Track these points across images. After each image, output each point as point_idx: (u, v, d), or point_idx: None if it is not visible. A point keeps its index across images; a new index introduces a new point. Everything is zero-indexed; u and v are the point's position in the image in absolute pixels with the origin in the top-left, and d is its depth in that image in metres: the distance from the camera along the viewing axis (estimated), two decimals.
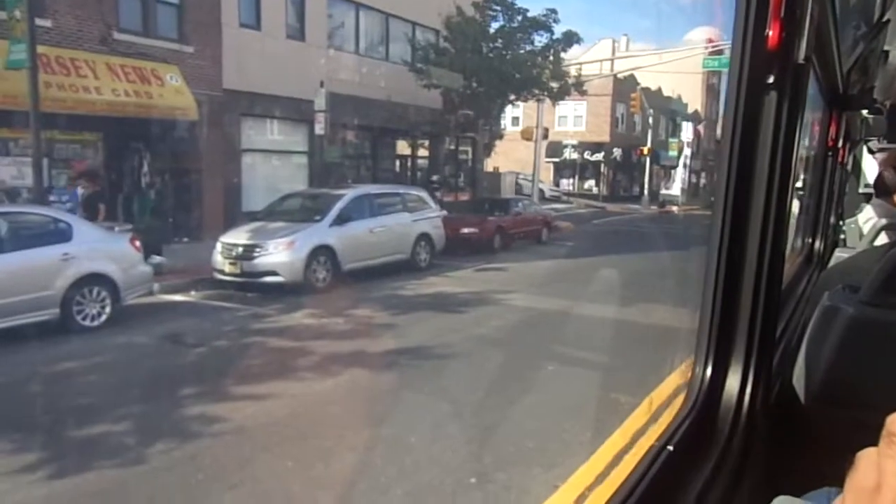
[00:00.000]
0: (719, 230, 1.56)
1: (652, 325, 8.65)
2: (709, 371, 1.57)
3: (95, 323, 8.22)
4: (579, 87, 21.81)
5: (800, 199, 5.75)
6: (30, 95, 9.94)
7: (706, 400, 1.55)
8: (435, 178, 22.01)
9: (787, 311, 2.62)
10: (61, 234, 8.17)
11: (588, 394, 6.12)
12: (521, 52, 20.21)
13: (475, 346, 7.62)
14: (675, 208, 31.24)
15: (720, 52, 22.79)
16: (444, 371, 6.69)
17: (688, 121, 37.11)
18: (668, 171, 38.52)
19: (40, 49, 11.78)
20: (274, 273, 10.55)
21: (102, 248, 8.51)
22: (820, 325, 1.64)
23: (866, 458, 0.50)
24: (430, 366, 6.83)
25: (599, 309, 9.59)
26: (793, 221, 5.41)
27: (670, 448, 1.36)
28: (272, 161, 18.24)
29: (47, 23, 12.50)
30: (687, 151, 35.02)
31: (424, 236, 13.34)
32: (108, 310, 8.34)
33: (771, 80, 1.51)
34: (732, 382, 1.60)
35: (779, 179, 1.57)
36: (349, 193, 12.45)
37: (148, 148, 14.85)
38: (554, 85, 20.81)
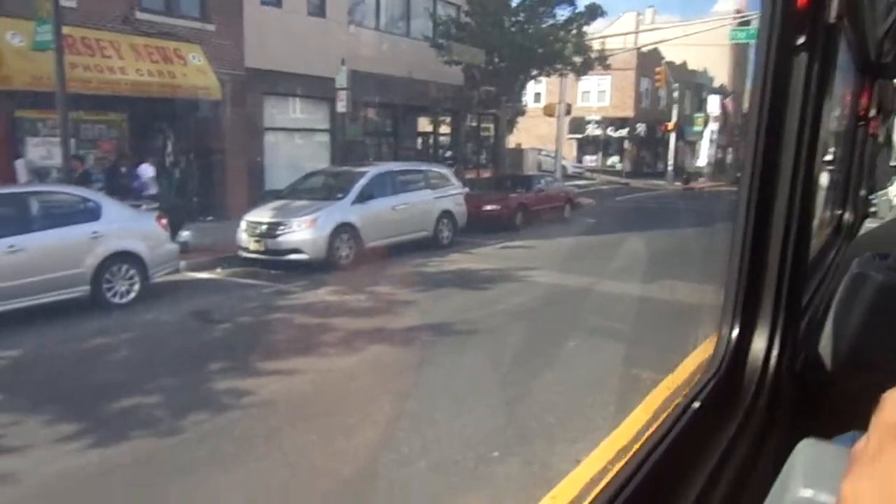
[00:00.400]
0: (747, 189, 1.56)
1: (675, 301, 8.60)
2: (735, 332, 1.59)
3: (124, 300, 8.40)
4: (603, 61, 21.48)
5: (829, 171, 5.65)
6: (56, 76, 10.06)
7: (732, 361, 1.57)
8: (448, 154, 21.93)
9: (814, 282, 2.60)
10: (90, 213, 8.33)
11: (610, 370, 6.13)
12: (544, 25, 19.92)
13: (497, 323, 7.65)
14: (699, 184, 30.80)
15: (748, 24, 22.25)
16: (465, 347, 6.73)
17: (715, 94, 36.38)
18: (692, 146, 37.95)
19: (65, 30, 11.91)
20: (298, 250, 10.66)
21: (130, 227, 8.66)
22: (848, 292, 1.64)
23: (893, 398, 0.51)
24: (452, 342, 6.87)
25: (621, 286, 9.54)
26: (822, 194, 5.34)
27: (697, 404, 1.38)
28: (294, 139, 18.31)
29: (72, 3, 12.61)
30: (714, 126, 34.38)
31: (447, 213, 13.35)
32: (136, 287, 8.51)
33: (801, 41, 1.49)
34: (758, 345, 1.62)
35: (807, 142, 1.57)
36: (371, 171, 12.47)
37: (172, 128, 15.01)
38: (577, 59, 20.51)
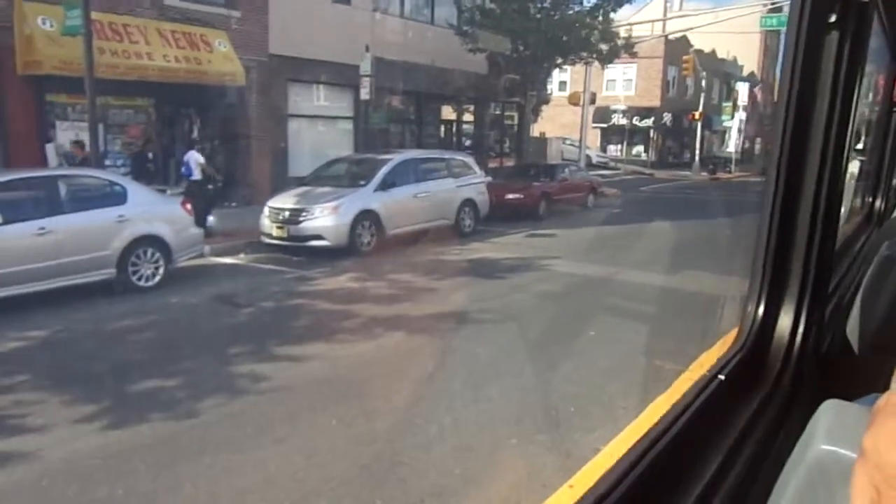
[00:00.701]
0: (775, 169, 1.57)
1: (699, 292, 8.49)
2: (761, 309, 1.62)
3: (150, 283, 8.52)
4: (629, 48, 21.17)
5: (861, 160, 5.49)
6: (85, 61, 10.18)
7: (758, 337, 1.60)
8: (469, 143, 21.82)
9: (843, 267, 2.59)
10: (117, 197, 8.44)
11: (631, 360, 6.07)
12: (570, 12, 19.67)
13: (516, 312, 7.62)
14: (726, 175, 30.33)
15: (779, 10, 21.77)
16: (483, 336, 6.72)
17: (744, 82, 35.72)
18: (720, 136, 37.36)
19: (94, 15, 12.03)
20: (319, 237, 10.71)
21: (156, 211, 8.76)
22: (877, 275, 1.64)
23: None
24: (470, 331, 6.87)
25: (644, 276, 9.44)
26: (853, 183, 5.23)
27: (721, 377, 1.41)
28: (318, 126, 18.37)
29: None
30: (742, 115, 33.78)
31: (469, 202, 13.31)
32: (161, 271, 8.63)
33: (833, 18, 1.48)
34: (784, 322, 1.64)
35: (837, 124, 1.56)
36: (394, 158, 12.46)
37: (198, 114, 15.14)
38: (603, 47, 20.24)
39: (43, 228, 7.51)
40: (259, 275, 9.82)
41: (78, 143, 11.98)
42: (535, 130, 26.34)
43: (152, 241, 8.54)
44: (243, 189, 15.27)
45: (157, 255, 8.59)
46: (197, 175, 13.23)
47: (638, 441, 1.19)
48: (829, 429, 0.78)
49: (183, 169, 13.46)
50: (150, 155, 13.95)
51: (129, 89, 13.42)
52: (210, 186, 13.13)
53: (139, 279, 8.43)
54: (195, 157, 13.54)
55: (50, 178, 8.27)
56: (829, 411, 0.82)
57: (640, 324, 7.32)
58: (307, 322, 7.32)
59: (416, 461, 4.16)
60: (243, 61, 14.94)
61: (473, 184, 13.66)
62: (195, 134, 15.11)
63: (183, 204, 9.20)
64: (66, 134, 12.60)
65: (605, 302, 8.34)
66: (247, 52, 15.31)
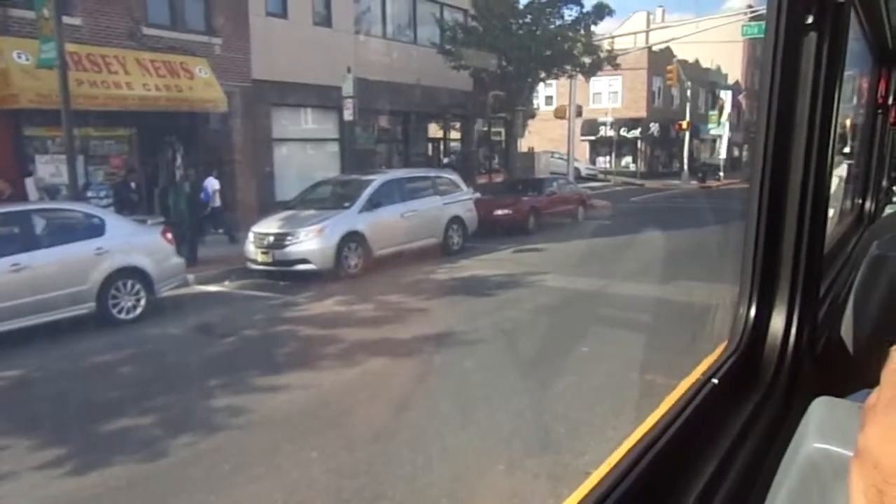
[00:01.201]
0: (760, 170, 1.57)
1: (692, 303, 8.35)
2: (752, 312, 1.61)
3: (131, 315, 8.33)
4: (612, 60, 21.21)
5: (848, 163, 5.44)
6: (60, 93, 10.05)
7: (751, 339, 1.60)
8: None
9: (835, 268, 2.63)
10: (94, 229, 8.28)
11: (622, 377, 5.91)
12: (551, 27, 19.70)
13: (505, 330, 7.45)
14: (716, 182, 30.36)
15: (760, 18, 21.89)
16: (472, 357, 6.54)
17: (729, 90, 35.93)
18: (707, 144, 37.48)
19: (71, 47, 11.94)
20: (305, 261, 10.55)
21: (135, 242, 8.59)
22: (869, 274, 1.64)
23: None
24: (458, 352, 6.69)
25: (634, 288, 9.29)
26: (842, 185, 5.16)
27: (715, 381, 1.40)
28: (304, 149, 18.28)
29: (77, 21, 12.67)
30: (729, 123, 33.93)
31: (456, 219, 13.19)
32: (142, 302, 8.44)
33: (810, 20, 1.50)
34: (777, 324, 1.64)
35: (820, 124, 1.58)
36: (378, 179, 12.34)
37: (181, 141, 15.00)
38: (586, 60, 20.26)
39: (17, 264, 7.34)
40: (243, 302, 9.64)
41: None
42: (524, 145, 26.32)
43: (132, 273, 8.36)
44: (228, 215, 15.11)
45: (138, 286, 8.41)
46: (217, 202, 13.72)
47: (632, 447, 1.18)
48: (820, 426, 0.78)
49: (202, 195, 13.87)
50: (133, 185, 13.76)
51: (110, 119, 13.29)
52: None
53: (120, 312, 8.25)
54: (213, 184, 14.06)
55: (24, 212, 8.10)
56: (820, 408, 0.81)
57: (631, 337, 7.16)
58: (290, 349, 7.13)
59: (399, 494, 3.99)
60: (226, 87, 14.85)
61: (460, 201, 13.55)
62: (178, 162, 14.95)
63: (163, 233, 9.03)
64: (46, 167, 12.44)
65: (595, 316, 8.19)
66: (229, 78, 15.23)
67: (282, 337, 7.67)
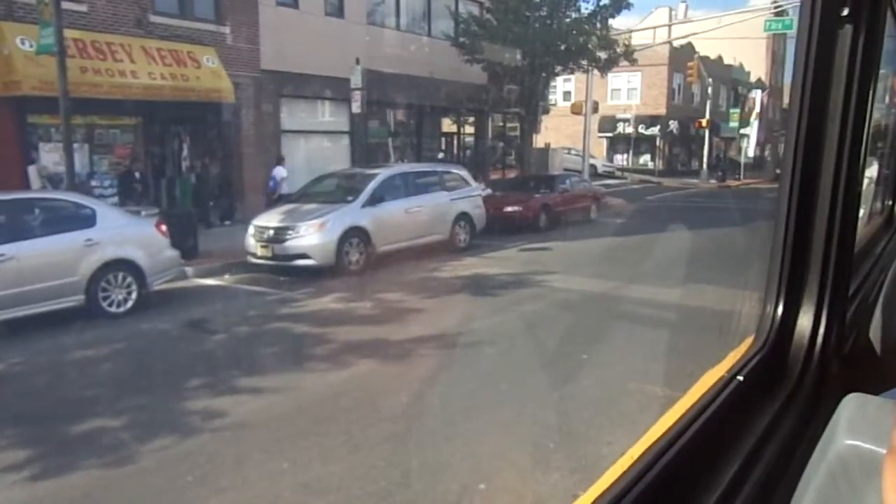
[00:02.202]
0: (790, 167, 1.56)
1: (707, 309, 7.97)
2: (780, 310, 1.61)
3: (121, 309, 8.12)
4: (629, 55, 20.69)
5: (879, 164, 5.23)
6: (59, 79, 9.87)
7: (777, 337, 1.60)
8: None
9: (864, 269, 2.57)
10: (85, 220, 8.06)
11: (624, 386, 5.57)
12: (567, 20, 19.24)
13: (504, 334, 7.13)
14: (735, 182, 29.72)
15: (784, 14, 21.28)
16: (467, 361, 6.24)
17: (758, 89, 35.16)
18: (728, 142, 36.73)
19: (75, 34, 11.80)
20: (305, 256, 10.29)
21: (127, 234, 8.37)
22: None
23: None
24: (454, 356, 6.39)
25: (644, 291, 8.90)
26: (871, 187, 4.88)
27: (740, 378, 1.40)
28: (313, 142, 18.04)
29: (83, 7, 12.51)
30: (756, 121, 33.16)
31: (464, 215, 12.87)
32: (133, 296, 8.23)
33: (846, 12, 1.46)
34: (804, 322, 1.63)
35: (853, 119, 1.53)
36: (383, 173, 12.05)
37: (187, 131, 14.83)
38: (601, 54, 19.77)
39: (2, 255, 7.13)
40: (239, 297, 9.42)
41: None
42: (540, 141, 25.90)
43: (123, 265, 8.14)
44: (234, 205, 14.94)
45: (129, 279, 8.19)
46: (284, 189, 13.95)
47: (654, 442, 1.17)
48: (851, 422, 0.77)
49: (270, 184, 14.30)
50: (138, 174, 13.61)
51: (115, 108, 13.11)
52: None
53: (110, 305, 8.04)
54: (280, 173, 14.47)
55: (11, 201, 7.89)
56: (851, 405, 0.80)
57: (639, 345, 6.80)
58: (279, 349, 6.87)
59: None
60: (234, 77, 14.64)
61: (469, 197, 13.22)
62: (185, 152, 14.78)
63: (158, 225, 8.80)
64: (50, 156, 12.30)
65: (601, 320, 7.85)
66: (237, 67, 15.02)
67: (272, 335, 7.41)
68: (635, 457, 1.12)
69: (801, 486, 0.84)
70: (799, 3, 1.59)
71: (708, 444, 1.21)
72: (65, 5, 10.95)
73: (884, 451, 0.55)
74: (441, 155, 21.50)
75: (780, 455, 1.26)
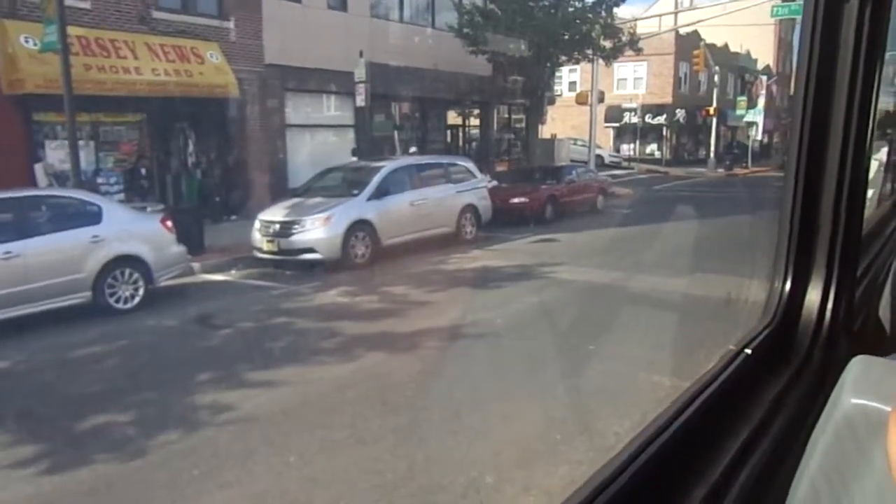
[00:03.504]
0: (797, 145, 1.56)
1: (715, 298, 7.92)
2: (787, 286, 1.62)
3: (128, 305, 8.14)
4: (634, 44, 20.51)
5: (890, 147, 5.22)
6: (62, 77, 9.87)
7: (785, 312, 1.61)
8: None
9: (873, 251, 2.59)
10: (91, 217, 8.08)
11: (631, 378, 5.53)
12: (571, 9, 19.09)
13: (511, 325, 7.10)
14: (743, 170, 29.51)
15: None
16: (473, 353, 6.22)
17: (765, 76, 34.89)
18: (741, 129, 36.45)
19: (79, 31, 11.80)
20: (311, 250, 10.28)
21: (133, 230, 8.38)
22: None
23: None
24: (460, 348, 6.37)
25: (651, 281, 8.84)
26: (881, 170, 4.86)
27: (748, 351, 1.43)
28: (318, 136, 18.00)
29: (86, 4, 12.50)
30: (762, 109, 32.88)
31: (470, 207, 12.83)
32: (140, 291, 8.24)
33: None
34: (812, 298, 1.64)
35: (860, 97, 1.53)
36: (388, 166, 12.01)
37: (192, 127, 14.82)
38: (606, 44, 19.62)
39: (9, 252, 7.15)
40: (246, 292, 9.42)
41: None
42: (546, 132, 25.77)
43: (130, 261, 8.15)
44: (240, 201, 14.95)
45: (136, 275, 8.20)
46: None
47: (662, 413, 1.17)
48: (857, 383, 0.78)
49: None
50: (144, 171, 13.63)
51: (120, 105, 13.11)
52: None
53: (117, 301, 8.05)
54: None
55: (17, 199, 7.92)
56: (858, 366, 0.81)
57: (645, 336, 6.76)
58: (285, 343, 6.86)
59: None
60: (238, 72, 14.62)
61: (475, 189, 13.18)
62: (190, 148, 14.79)
63: (163, 221, 8.81)
64: (56, 153, 12.33)
65: (608, 311, 7.80)
66: (241, 62, 15.00)
67: (278, 329, 7.40)
68: (644, 425, 1.13)
69: (809, 446, 0.85)
70: None
71: (716, 414, 1.21)
72: (68, 2, 10.95)
73: (888, 410, 0.55)
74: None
75: (788, 425, 1.27)
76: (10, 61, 11.35)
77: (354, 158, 15.77)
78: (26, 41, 11.39)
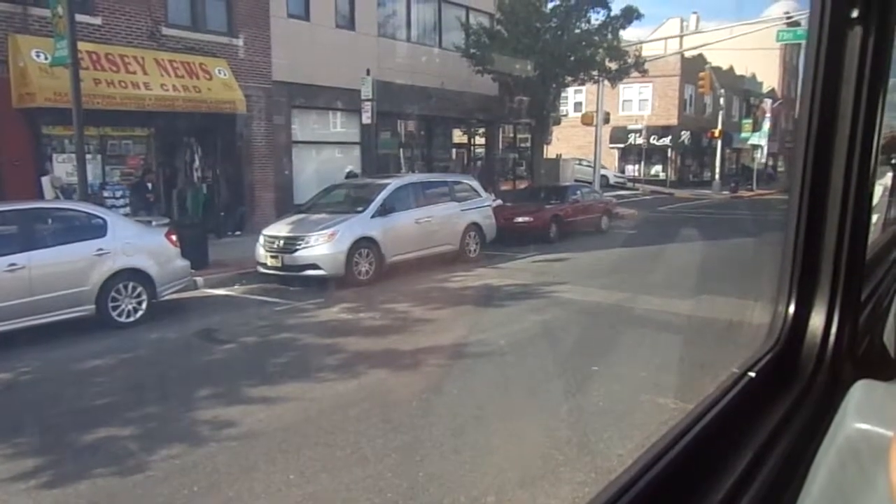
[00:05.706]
0: (801, 168, 1.57)
1: (717, 320, 7.89)
2: (791, 309, 1.62)
3: (131, 319, 8.15)
4: (639, 66, 20.64)
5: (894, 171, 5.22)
6: (72, 91, 9.96)
7: (789, 336, 1.61)
8: (478, 165, 21.45)
9: (877, 276, 2.55)
10: (96, 230, 8.11)
11: (634, 399, 5.49)
12: (577, 31, 19.23)
13: (514, 344, 7.06)
14: (748, 193, 29.52)
15: (797, 24, 21.19)
16: (476, 372, 6.19)
17: (769, 99, 35.04)
18: (746, 152, 36.55)
19: (89, 46, 11.93)
20: (315, 266, 10.29)
21: (138, 243, 8.39)
22: None
23: None
24: (463, 366, 6.34)
25: (655, 302, 8.80)
26: (885, 196, 4.84)
27: (752, 374, 1.42)
28: (324, 153, 18.11)
29: (97, 20, 12.65)
30: (767, 132, 32.98)
31: (474, 226, 12.85)
32: (144, 305, 8.26)
33: (855, 14, 1.46)
34: (816, 322, 1.63)
35: (864, 122, 1.54)
36: (393, 183, 12.05)
37: (199, 142, 14.93)
38: (612, 65, 19.74)
39: (14, 265, 7.18)
40: (249, 307, 9.41)
41: None
42: (551, 152, 25.88)
43: (134, 275, 8.18)
44: (245, 216, 15.00)
45: (140, 288, 8.22)
46: None
47: (665, 434, 1.17)
48: (860, 407, 0.79)
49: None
50: (150, 185, 13.71)
51: (128, 119, 13.24)
52: None
53: (120, 315, 8.06)
54: None
55: (23, 211, 7.95)
56: (861, 390, 0.83)
57: (649, 356, 6.72)
58: (287, 359, 6.83)
59: None
60: (245, 88, 14.75)
61: (479, 207, 13.20)
62: (197, 163, 14.88)
63: (168, 235, 8.84)
64: (63, 166, 12.42)
65: (612, 332, 7.77)
66: (249, 79, 15.14)
67: (280, 345, 7.39)
68: (646, 447, 1.13)
69: (812, 470, 0.85)
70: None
71: (719, 437, 1.21)
72: (79, 18, 11.10)
73: (891, 435, 0.55)
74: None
75: (791, 449, 1.27)
76: (21, 75, 11.48)
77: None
78: (37, 55, 11.53)
